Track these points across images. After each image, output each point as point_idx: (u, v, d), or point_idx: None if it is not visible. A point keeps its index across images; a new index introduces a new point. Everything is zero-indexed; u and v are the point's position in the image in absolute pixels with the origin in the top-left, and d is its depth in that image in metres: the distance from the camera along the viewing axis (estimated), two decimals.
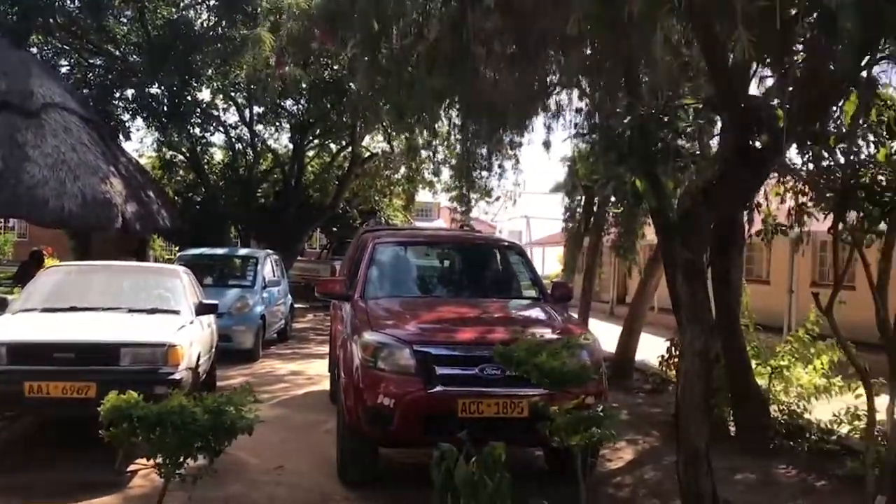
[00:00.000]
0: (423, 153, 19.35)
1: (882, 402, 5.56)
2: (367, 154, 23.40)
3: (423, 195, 26.88)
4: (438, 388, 5.63)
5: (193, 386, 7.19)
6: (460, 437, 4.33)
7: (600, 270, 16.33)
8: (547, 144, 11.16)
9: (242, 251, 16.16)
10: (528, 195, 29.84)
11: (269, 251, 15.73)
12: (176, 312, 7.80)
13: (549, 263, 34.06)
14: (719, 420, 8.42)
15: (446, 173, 19.81)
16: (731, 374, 8.17)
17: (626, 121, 5.84)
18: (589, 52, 6.09)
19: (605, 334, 13.10)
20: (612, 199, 6.83)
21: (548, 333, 5.97)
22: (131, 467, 6.19)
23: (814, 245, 13.21)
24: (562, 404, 4.55)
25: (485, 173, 12.20)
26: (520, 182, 13.64)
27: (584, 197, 13.13)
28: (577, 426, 4.15)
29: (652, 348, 11.46)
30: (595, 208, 12.64)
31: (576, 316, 13.43)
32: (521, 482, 5.84)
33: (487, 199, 15.55)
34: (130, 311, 7.55)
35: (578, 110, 10.51)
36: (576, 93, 10.49)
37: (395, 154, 21.58)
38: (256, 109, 22.45)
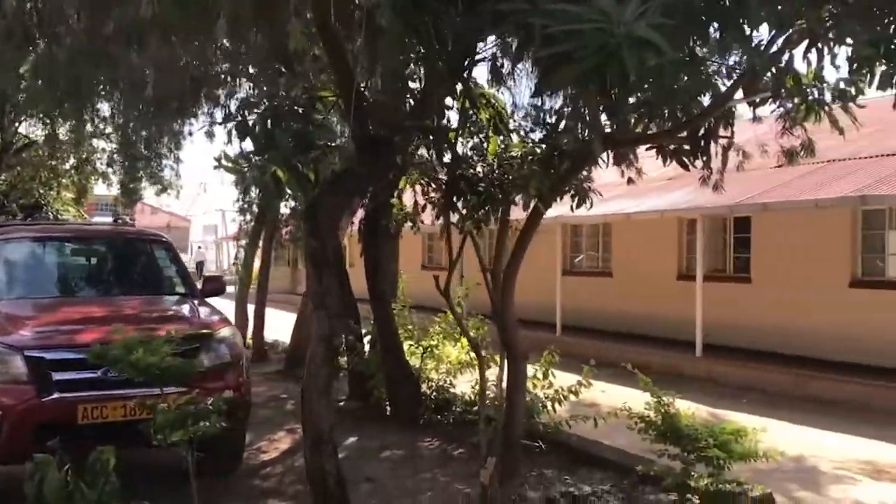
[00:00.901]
0: (94, 142, 17.95)
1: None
2: (26, 141, 20.92)
3: (102, 188, 24.79)
4: (55, 395, 5.19)
5: None
6: (52, 446, 4.02)
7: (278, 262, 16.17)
8: (210, 134, 10.87)
9: None
10: (228, 188, 28.96)
11: None
12: None
13: None
14: (377, 401, 8.83)
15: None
16: (385, 356, 8.59)
17: (261, 111, 5.81)
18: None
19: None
20: (253, 190, 6.79)
21: (184, 329, 5.77)
22: None
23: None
24: (177, 401, 4.41)
25: (145, 163, 11.48)
26: (180, 174, 13.06)
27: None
28: (182, 422, 4.03)
29: None
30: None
31: (253, 308, 13.34)
32: (167, 484, 5.63)
33: (167, 192, 14.78)
34: None
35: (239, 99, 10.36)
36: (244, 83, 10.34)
37: (59, 142, 19.56)
38: None
